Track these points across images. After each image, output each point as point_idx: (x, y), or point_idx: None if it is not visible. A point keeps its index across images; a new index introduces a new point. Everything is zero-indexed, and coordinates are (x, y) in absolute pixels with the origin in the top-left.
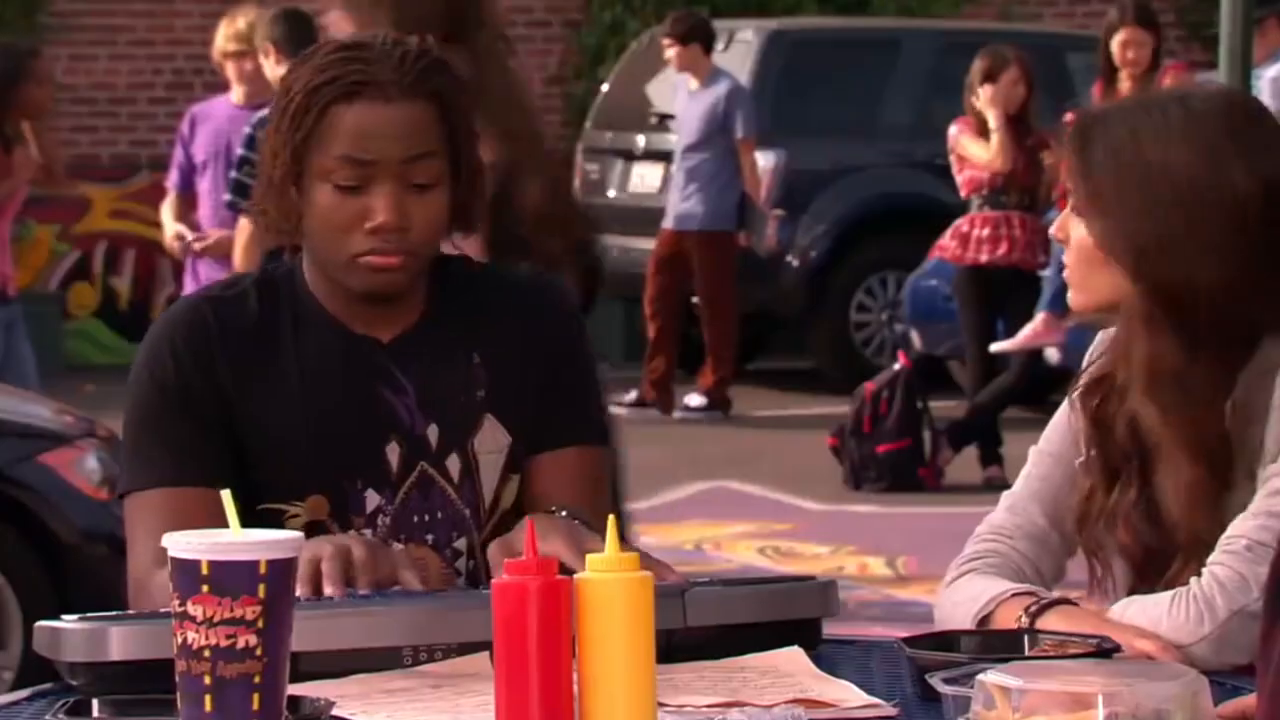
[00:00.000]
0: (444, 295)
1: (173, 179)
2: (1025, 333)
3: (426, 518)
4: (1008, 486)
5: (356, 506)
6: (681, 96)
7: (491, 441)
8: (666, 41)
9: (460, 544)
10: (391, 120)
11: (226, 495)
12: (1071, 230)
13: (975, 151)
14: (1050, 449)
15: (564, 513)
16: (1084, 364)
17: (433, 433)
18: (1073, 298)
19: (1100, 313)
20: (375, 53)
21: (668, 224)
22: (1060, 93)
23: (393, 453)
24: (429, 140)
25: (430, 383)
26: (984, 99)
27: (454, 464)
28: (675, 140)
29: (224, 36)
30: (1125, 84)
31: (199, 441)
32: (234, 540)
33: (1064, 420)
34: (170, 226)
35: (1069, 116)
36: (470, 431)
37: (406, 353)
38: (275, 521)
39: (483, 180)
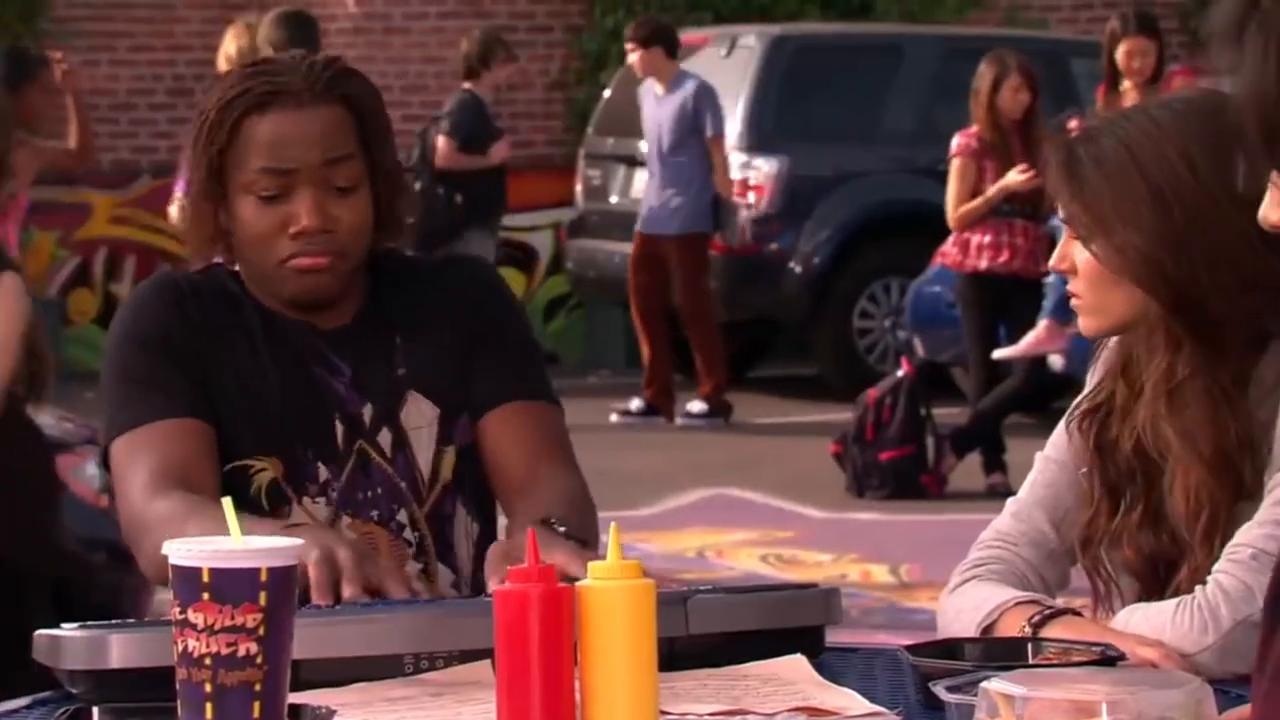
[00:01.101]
0: (378, 290)
1: (182, 185)
2: (1028, 339)
3: (369, 493)
4: (1011, 493)
5: (311, 475)
6: (648, 101)
7: (418, 415)
8: (629, 46)
9: (403, 516)
10: (306, 126)
11: (228, 502)
12: (1075, 256)
13: (950, 188)
14: (1056, 455)
15: (562, 529)
16: (1085, 389)
17: (367, 411)
18: (1084, 324)
19: (1115, 333)
20: (284, 65)
21: (642, 228)
22: (1065, 99)
23: (339, 430)
24: (345, 143)
25: (361, 366)
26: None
27: (385, 439)
28: (644, 145)
29: (221, 56)
30: (1130, 92)
31: (182, 382)
32: (235, 548)
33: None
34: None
35: (1072, 122)
36: (396, 407)
37: (342, 341)
38: (241, 480)
39: (402, 181)
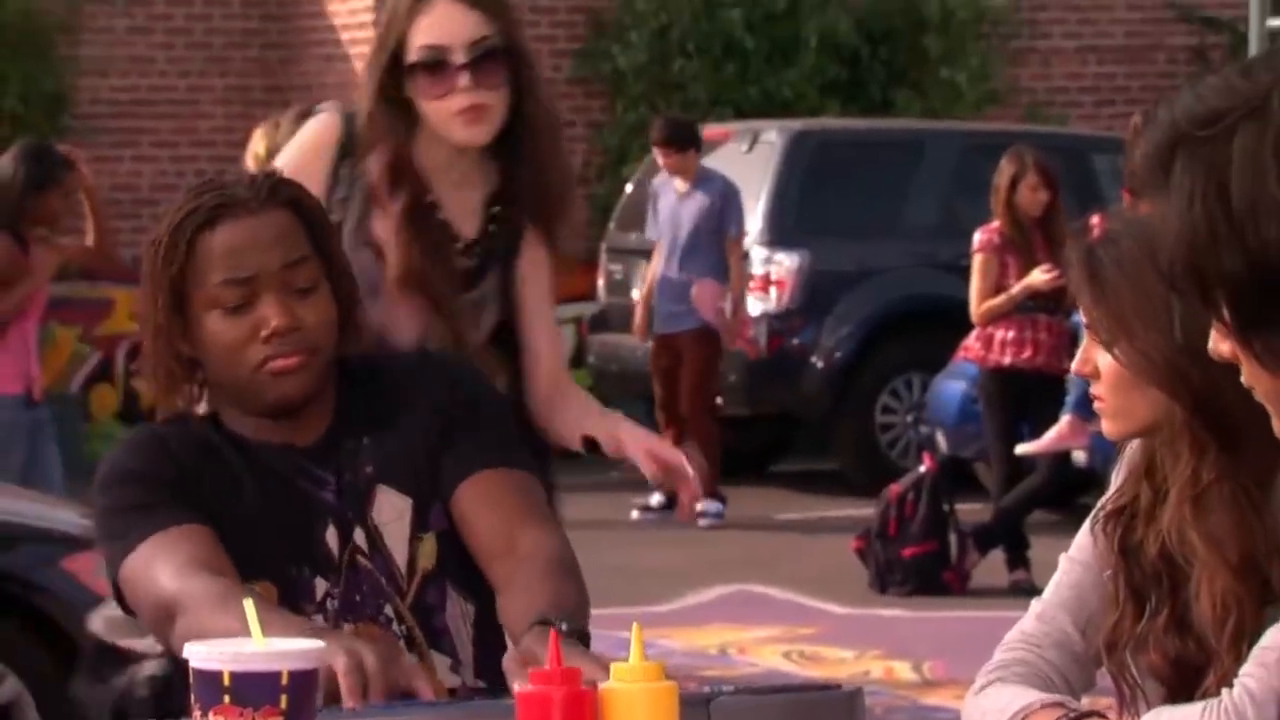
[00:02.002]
0: (348, 399)
1: None
2: (1051, 435)
3: (358, 596)
4: (1035, 591)
5: (306, 593)
6: (667, 197)
7: (390, 509)
8: (655, 145)
9: (389, 610)
10: (259, 232)
11: (249, 603)
12: (1098, 360)
13: (973, 283)
14: (1080, 557)
15: (564, 626)
16: (1109, 490)
17: (350, 513)
18: (1108, 428)
19: (1140, 436)
20: (227, 180)
21: (658, 329)
22: (1086, 194)
23: (331, 538)
24: (299, 245)
25: (339, 471)
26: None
27: (361, 538)
28: (657, 243)
29: (249, 156)
30: None
31: (178, 500)
32: (256, 650)
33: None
34: None
35: (1095, 219)
36: (366, 505)
37: (320, 454)
38: None
39: (353, 281)
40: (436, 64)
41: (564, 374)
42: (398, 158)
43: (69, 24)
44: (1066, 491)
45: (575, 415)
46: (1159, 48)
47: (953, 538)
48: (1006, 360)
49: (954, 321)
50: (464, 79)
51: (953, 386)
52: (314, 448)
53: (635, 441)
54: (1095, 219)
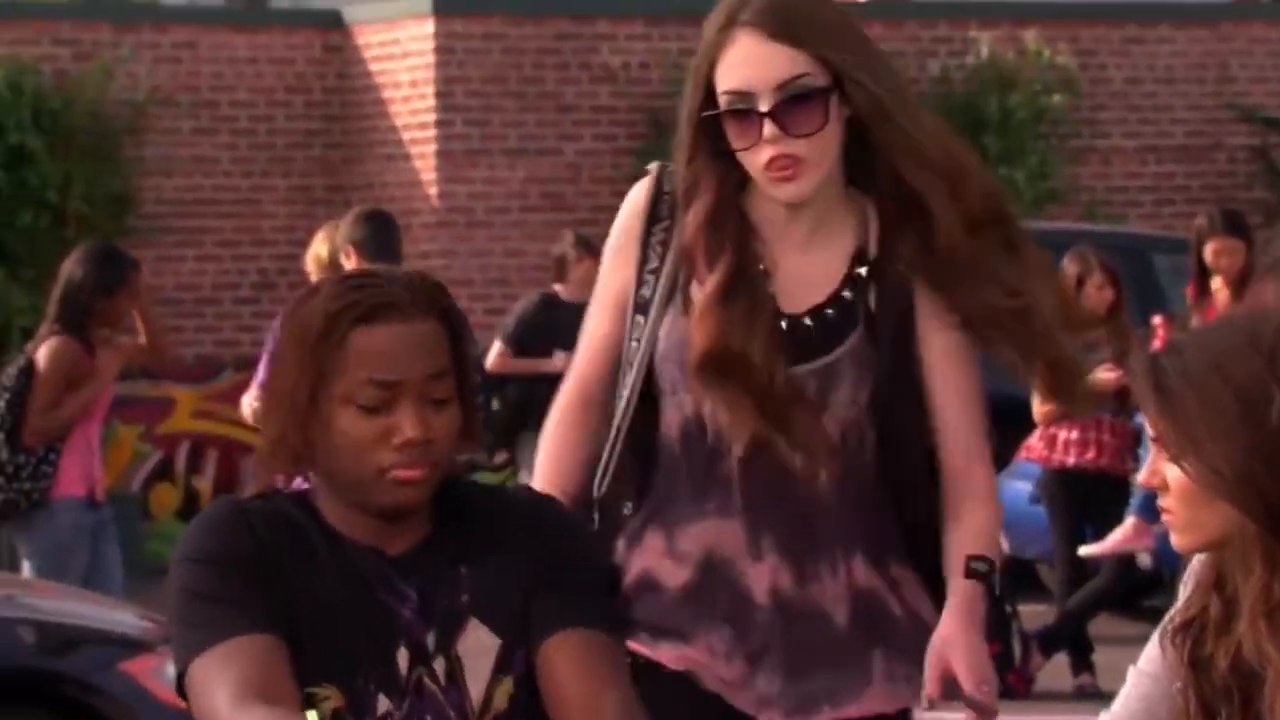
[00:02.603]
0: (445, 515)
1: (258, 385)
2: (1115, 537)
3: None
4: (1100, 695)
5: (368, 708)
6: None
7: (477, 644)
8: None
9: None
10: (412, 339)
11: (313, 715)
12: (1166, 473)
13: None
14: (1149, 669)
15: None
16: (1177, 601)
17: (430, 639)
18: (1178, 541)
19: (1210, 550)
20: (384, 277)
21: None
22: (1147, 294)
23: (402, 658)
24: (443, 358)
25: (427, 592)
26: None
27: (440, 667)
28: None
29: (309, 257)
30: (1220, 290)
31: (250, 596)
32: None
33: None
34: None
35: (1157, 319)
36: (454, 636)
37: (409, 567)
38: (305, 706)
39: (478, 393)
40: (740, 112)
41: (973, 462)
42: (717, 215)
43: (134, 125)
44: (1132, 594)
45: (952, 547)
46: (1219, 147)
47: (1016, 640)
48: (1070, 461)
49: (1016, 420)
50: (768, 128)
51: (1015, 486)
52: (403, 559)
53: (958, 659)
54: (1157, 319)
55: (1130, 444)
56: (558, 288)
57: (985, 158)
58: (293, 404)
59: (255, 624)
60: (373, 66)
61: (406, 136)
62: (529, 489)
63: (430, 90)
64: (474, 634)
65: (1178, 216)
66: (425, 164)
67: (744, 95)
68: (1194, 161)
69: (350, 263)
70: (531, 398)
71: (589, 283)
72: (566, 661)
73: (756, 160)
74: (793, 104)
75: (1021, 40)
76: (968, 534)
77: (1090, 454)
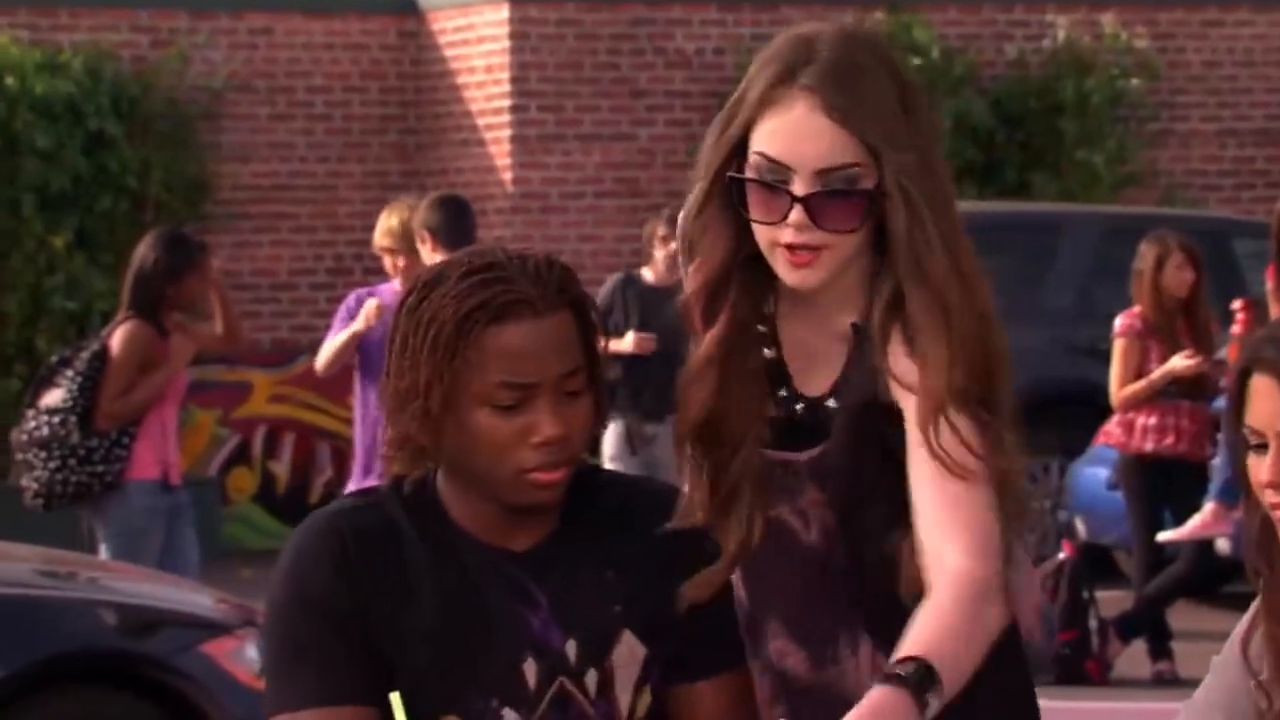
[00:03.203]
0: (577, 505)
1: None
2: (1194, 522)
3: None
4: (1178, 682)
5: None
6: None
7: (629, 655)
8: None
9: None
10: (545, 337)
11: (395, 698)
12: None
13: (1114, 369)
14: (1233, 659)
15: None
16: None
17: (571, 648)
18: None
19: None
20: (511, 270)
21: None
22: (1227, 279)
23: (530, 670)
24: (576, 352)
25: (565, 596)
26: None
27: (592, 679)
28: None
29: (379, 231)
30: None
31: (346, 660)
32: None
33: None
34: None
35: (1238, 304)
36: (609, 647)
37: (541, 565)
38: None
39: (606, 381)
40: (770, 184)
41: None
42: (720, 275)
43: (211, 111)
44: (1211, 579)
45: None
46: None
47: (1094, 626)
48: (1149, 447)
49: (1092, 406)
50: (797, 214)
51: (1092, 472)
52: (532, 556)
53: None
54: (1238, 304)
55: (1209, 430)
56: (645, 271)
57: (1062, 142)
58: (425, 405)
59: (344, 692)
60: (447, 52)
61: (481, 122)
62: (662, 485)
63: (505, 76)
64: (626, 645)
65: (1258, 201)
66: (500, 149)
67: (780, 168)
68: (1274, 145)
69: (425, 248)
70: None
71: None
72: (721, 711)
73: (774, 237)
74: (832, 196)
75: (1098, 24)
76: (920, 620)
77: (1169, 440)
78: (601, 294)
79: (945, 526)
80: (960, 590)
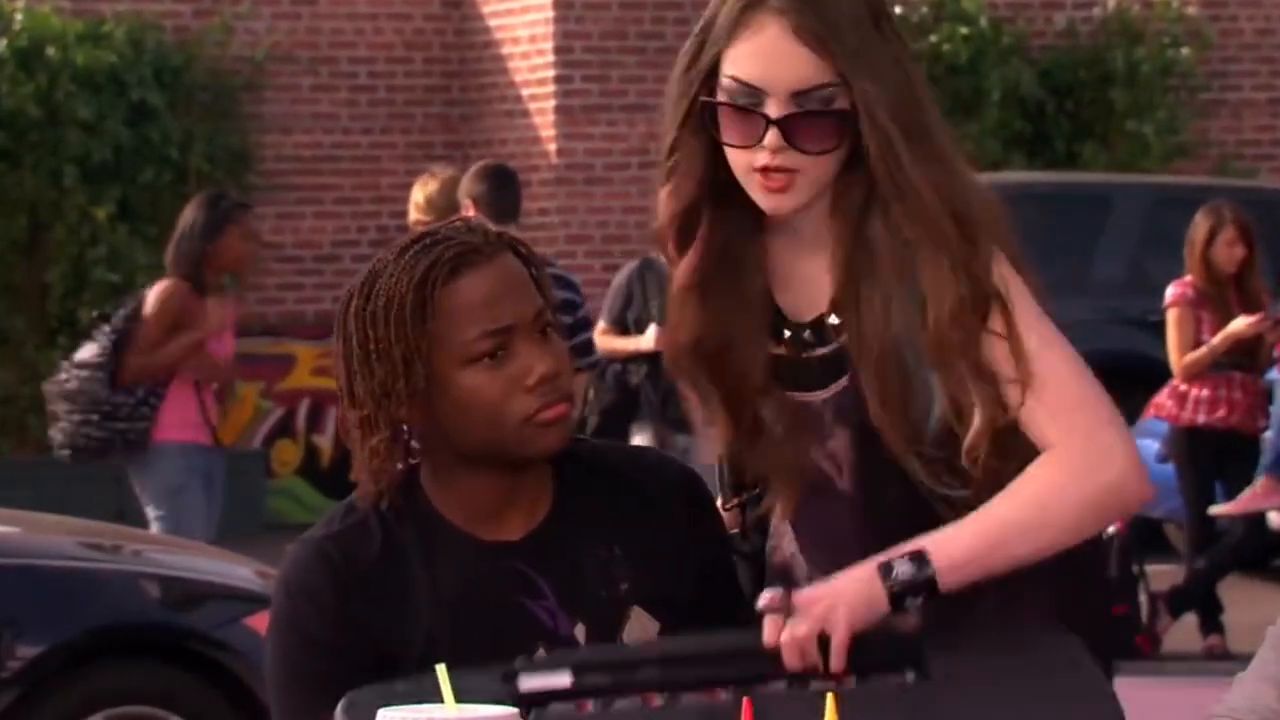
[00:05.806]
0: (569, 483)
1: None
2: (1246, 496)
3: None
4: (1229, 656)
5: None
6: None
7: (640, 632)
8: None
9: None
10: (505, 278)
11: (441, 669)
12: None
13: (1171, 338)
14: None
15: None
16: None
17: (580, 632)
18: None
19: None
20: (442, 231)
21: None
22: (1278, 249)
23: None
24: (534, 291)
25: (570, 580)
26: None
27: None
28: None
29: (412, 206)
30: None
31: (346, 682)
32: (449, 715)
33: None
34: None
35: None
36: (618, 626)
37: (542, 551)
38: None
39: (561, 332)
40: (743, 107)
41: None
42: (693, 203)
43: (254, 82)
44: (1263, 553)
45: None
46: None
47: (1143, 600)
48: (1201, 419)
49: (1143, 378)
50: (772, 136)
51: (1142, 444)
52: (531, 542)
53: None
54: None
55: (1261, 402)
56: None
57: (1112, 112)
58: (409, 384)
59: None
60: (491, 22)
61: (525, 93)
62: (656, 452)
63: (549, 46)
64: (637, 622)
65: None
66: (544, 120)
67: (753, 90)
68: None
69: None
70: (624, 384)
71: None
72: None
73: (748, 161)
74: (806, 117)
75: None
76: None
77: (1221, 412)
78: (616, 281)
79: (1041, 424)
80: (1035, 470)
